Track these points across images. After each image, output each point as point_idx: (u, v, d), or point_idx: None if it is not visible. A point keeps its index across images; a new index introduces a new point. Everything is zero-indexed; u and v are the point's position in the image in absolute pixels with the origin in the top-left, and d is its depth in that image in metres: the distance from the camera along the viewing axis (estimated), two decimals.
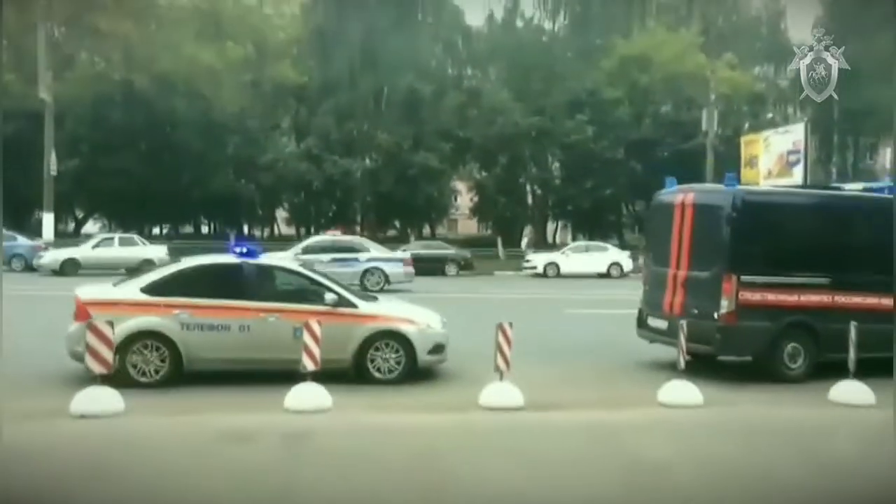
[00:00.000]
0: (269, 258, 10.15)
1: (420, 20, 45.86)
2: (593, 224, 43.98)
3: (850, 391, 8.30)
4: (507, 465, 6.09)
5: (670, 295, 10.22)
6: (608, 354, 11.40)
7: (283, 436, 6.87)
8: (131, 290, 8.74)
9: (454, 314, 10.91)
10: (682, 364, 8.31)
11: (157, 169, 37.81)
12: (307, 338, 7.52)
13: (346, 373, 8.89)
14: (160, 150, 38.86)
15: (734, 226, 9.53)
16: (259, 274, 9.14)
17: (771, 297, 9.53)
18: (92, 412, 6.92)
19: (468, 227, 54.06)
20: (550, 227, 49.40)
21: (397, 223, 45.47)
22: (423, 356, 9.14)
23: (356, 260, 21.61)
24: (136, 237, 28.66)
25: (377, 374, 9.00)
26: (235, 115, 39.57)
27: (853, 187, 12.62)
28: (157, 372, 8.45)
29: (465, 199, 48.86)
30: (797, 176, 34.94)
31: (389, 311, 9.47)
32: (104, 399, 7.05)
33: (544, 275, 29.80)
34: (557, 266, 30.11)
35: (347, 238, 24.46)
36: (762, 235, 9.64)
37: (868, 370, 8.60)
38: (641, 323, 10.90)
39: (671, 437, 7.31)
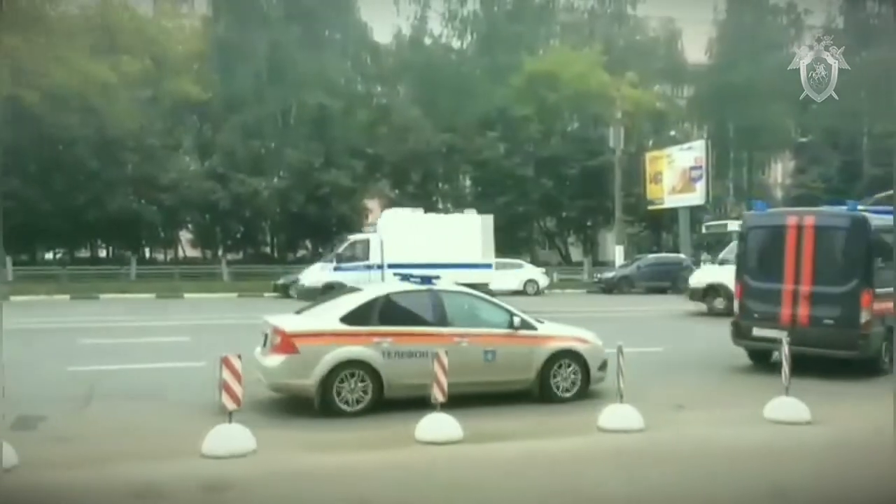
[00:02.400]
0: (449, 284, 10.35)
1: (327, 36, 45.09)
2: (505, 241, 44.04)
3: (786, 408, 8.23)
4: None
5: (789, 308, 11.42)
6: None
7: (200, 488, 6.15)
8: (330, 319, 8.79)
9: None
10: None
11: (49, 190, 35.45)
12: (226, 374, 6.84)
13: (529, 393, 9.35)
14: (52, 170, 36.51)
15: (870, 245, 10.96)
16: (446, 300, 9.31)
17: (883, 305, 10.92)
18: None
19: None
20: None
21: (308, 243, 44.34)
22: (594, 373, 9.61)
23: None
24: None
25: (558, 393, 9.39)
26: (134, 132, 37.54)
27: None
28: (358, 402, 8.55)
29: (376, 217, 48.10)
30: (699, 191, 36.18)
31: (562, 331, 9.92)
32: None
33: None
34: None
35: None
36: (881, 253, 10.96)
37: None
38: (740, 334, 12.13)
39: (615, 465, 7.00)
